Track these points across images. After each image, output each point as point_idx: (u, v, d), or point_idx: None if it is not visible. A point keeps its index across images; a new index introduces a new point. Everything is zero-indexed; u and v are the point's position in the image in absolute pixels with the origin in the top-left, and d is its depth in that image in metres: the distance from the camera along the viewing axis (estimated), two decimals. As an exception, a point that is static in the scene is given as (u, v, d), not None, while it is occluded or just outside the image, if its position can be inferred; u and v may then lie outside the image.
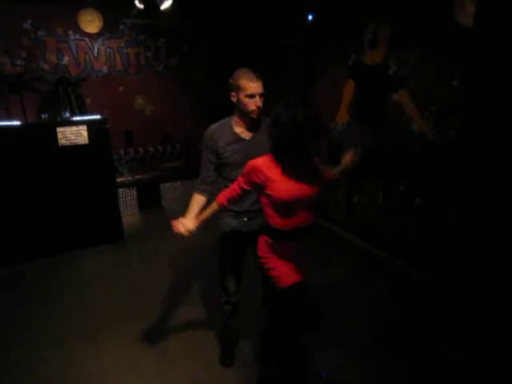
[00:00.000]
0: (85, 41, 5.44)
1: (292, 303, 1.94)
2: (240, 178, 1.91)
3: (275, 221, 1.88)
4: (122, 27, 5.60)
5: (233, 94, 2.09)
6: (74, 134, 4.14)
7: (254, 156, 1.91)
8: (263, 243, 1.99)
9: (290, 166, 1.81)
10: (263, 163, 1.83)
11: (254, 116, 2.08)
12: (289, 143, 1.73)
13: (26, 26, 5.02)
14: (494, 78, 2.44)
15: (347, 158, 2.21)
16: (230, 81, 2.10)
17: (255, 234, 2.11)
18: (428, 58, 3.28)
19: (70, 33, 5.32)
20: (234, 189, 1.94)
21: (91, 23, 5.42)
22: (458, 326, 2.72)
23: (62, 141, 4.10)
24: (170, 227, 2.08)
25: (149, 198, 5.70)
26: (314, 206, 1.95)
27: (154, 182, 5.76)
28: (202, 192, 2.22)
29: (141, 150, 6.04)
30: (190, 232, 2.02)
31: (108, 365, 2.61)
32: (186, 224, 2.03)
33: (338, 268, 3.79)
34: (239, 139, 2.14)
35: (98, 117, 4.36)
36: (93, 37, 5.46)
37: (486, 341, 2.50)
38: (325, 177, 2.07)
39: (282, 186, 1.79)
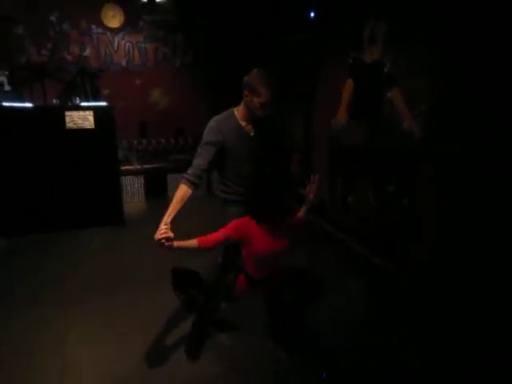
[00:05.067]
0: (106, 34, 5.76)
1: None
2: (225, 230, 2.04)
3: (249, 268, 2.18)
4: (141, 23, 5.88)
5: (246, 93, 2.11)
6: (81, 118, 4.39)
7: (256, 153, 2.21)
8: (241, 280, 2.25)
9: (265, 224, 2.06)
10: (243, 223, 2.05)
11: (260, 114, 2.16)
12: (262, 200, 2.01)
13: (53, 18, 5.40)
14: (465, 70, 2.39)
15: (310, 192, 2.29)
16: (247, 80, 2.11)
17: None
18: (418, 56, 3.22)
19: (93, 27, 5.66)
20: (217, 236, 2.04)
21: (113, 18, 5.74)
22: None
23: (69, 124, 4.36)
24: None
25: (156, 188, 5.90)
26: (283, 257, 2.20)
27: (161, 172, 5.95)
28: (191, 184, 2.11)
29: (153, 141, 6.28)
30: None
31: (74, 330, 2.74)
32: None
33: (326, 266, 3.68)
34: (245, 134, 2.23)
35: (104, 104, 4.60)
36: (114, 31, 5.78)
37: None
38: (295, 224, 2.28)
39: (258, 243, 2.04)
